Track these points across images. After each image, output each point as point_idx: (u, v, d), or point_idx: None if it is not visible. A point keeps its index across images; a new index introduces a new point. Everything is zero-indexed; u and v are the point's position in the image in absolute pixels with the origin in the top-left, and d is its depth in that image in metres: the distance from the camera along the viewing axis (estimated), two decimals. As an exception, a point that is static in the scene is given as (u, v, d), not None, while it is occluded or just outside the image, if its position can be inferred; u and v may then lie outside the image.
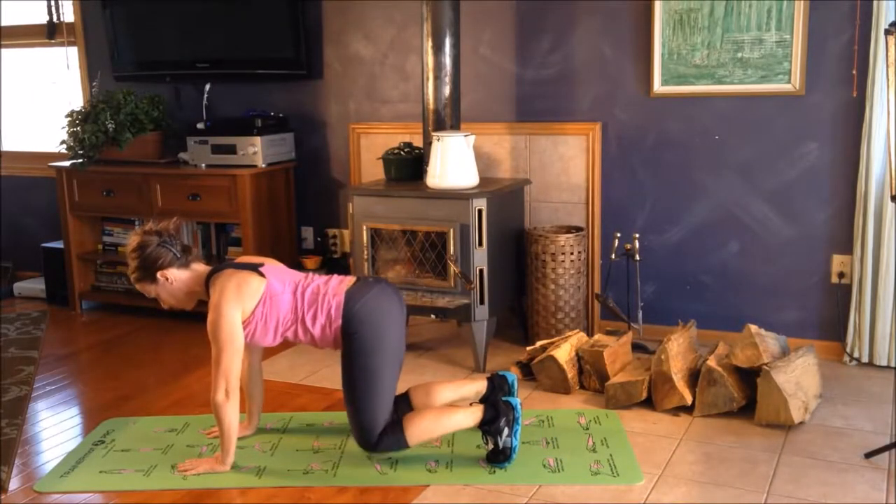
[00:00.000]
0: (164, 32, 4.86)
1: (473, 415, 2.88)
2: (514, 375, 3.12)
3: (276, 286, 2.85)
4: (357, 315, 2.82)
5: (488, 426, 2.87)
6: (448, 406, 3.00)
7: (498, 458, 2.87)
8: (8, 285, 5.42)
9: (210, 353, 2.81)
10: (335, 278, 2.96)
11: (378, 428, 2.83)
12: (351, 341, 2.82)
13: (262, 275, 2.86)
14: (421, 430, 2.87)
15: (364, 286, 2.92)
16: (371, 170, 4.56)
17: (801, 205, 3.81)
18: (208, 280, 2.89)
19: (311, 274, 2.99)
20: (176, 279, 2.89)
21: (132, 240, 2.91)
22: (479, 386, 3.10)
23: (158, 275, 2.87)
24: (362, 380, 2.82)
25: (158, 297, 2.97)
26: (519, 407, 2.89)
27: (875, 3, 3.49)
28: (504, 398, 2.91)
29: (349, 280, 2.95)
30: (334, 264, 4.72)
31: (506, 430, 2.85)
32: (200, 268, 2.95)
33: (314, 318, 2.85)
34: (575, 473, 2.82)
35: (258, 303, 2.81)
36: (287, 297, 2.86)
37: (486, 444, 2.90)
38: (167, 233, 2.91)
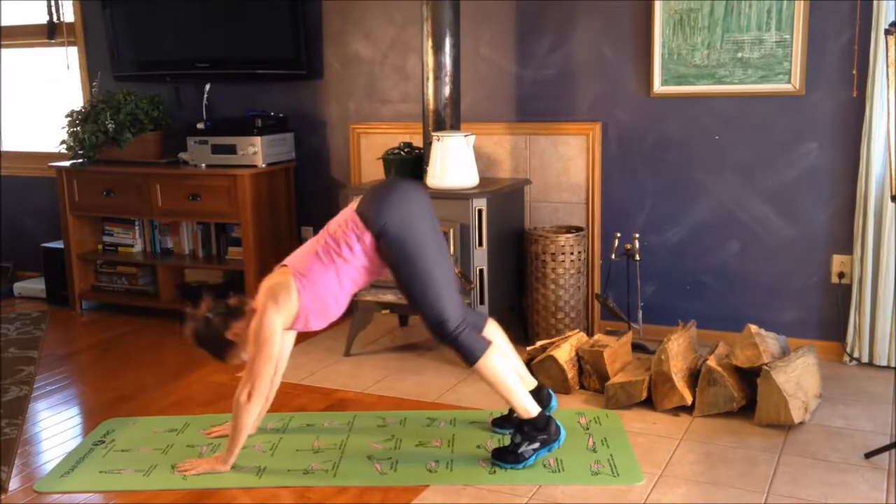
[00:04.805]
0: (164, 32, 4.85)
1: (530, 405, 2.84)
2: (556, 401, 3.13)
3: (300, 265, 2.83)
4: (378, 212, 2.77)
5: (529, 427, 2.84)
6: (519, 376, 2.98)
7: (507, 457, 2.86)
8: (8, 285, 5.42)
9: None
10: (339, 215, 2.91)
11: (450, 317, 2.76)
12: (386, 238, 2.75)
13: (284, 266, 2.86)
14: (496, 366, 2.81)
15: (372, 190, 2.90)
16: (371, 170, 4.56)
17: (800, 205, 3.81)
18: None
19: (317, 234, 2.93)
20: (243, 328, 2.85)
21: (187, 334, 2.89)
22: (531, 381, 3.12)
23: (230, 337, 2.85)
24: (413, 271, 2.75)
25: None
26: (563, 439, 2.87)
27: (875, 3, 3.49)
28: (557, 422, 2.88)
29: (355, 200, 2.91)
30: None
31: (537, 444, 2.83)
32: (251, 302, 2.89)
33: (350, 248, 2.79)
34: (575, 473, 2.82)
35: (295, 291, 2.78)
36: (315, 263, 2.82)
37: (513, 438, 2.86)
38: (207, 308, 2.88)
